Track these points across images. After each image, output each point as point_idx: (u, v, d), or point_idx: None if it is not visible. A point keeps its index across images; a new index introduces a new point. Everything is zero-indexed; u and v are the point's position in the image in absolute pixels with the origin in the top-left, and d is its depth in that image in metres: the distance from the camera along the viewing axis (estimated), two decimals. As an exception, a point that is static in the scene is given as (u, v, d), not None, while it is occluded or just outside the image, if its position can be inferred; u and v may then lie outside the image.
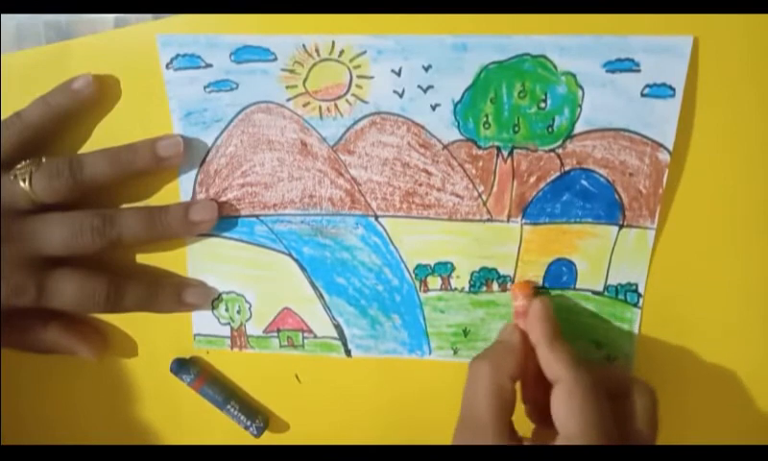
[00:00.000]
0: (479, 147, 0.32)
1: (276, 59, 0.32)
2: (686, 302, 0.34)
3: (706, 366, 0.34)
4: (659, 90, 0.30)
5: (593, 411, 0.28)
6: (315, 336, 0.37)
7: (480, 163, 0.33)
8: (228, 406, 0.38)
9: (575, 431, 0.28)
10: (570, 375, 0.29)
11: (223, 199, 0.34)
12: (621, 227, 0.33)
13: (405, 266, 0.35)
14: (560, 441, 0.29)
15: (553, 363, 0.30)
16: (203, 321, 0.37)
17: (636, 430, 0.30)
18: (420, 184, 0.33)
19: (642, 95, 0.31)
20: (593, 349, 0.35)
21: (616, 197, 0.33)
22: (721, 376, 0.35)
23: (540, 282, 0.35)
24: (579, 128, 0.31)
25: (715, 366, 0.35)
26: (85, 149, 0.34)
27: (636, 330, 0.35)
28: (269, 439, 0.39)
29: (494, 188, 0.33)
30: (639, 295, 0.34)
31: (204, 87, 0.32)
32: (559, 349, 0.30)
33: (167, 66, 0.32)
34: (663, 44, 0.30)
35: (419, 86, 0.32)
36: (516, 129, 0.32)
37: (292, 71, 0.32)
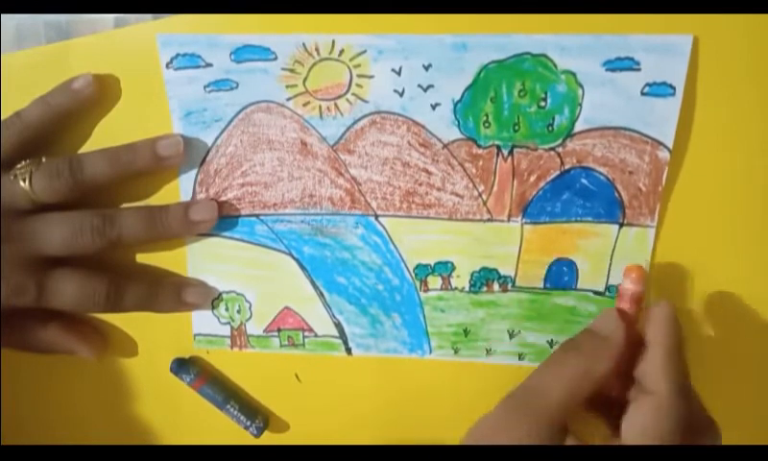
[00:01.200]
0: (479, 146, 0.32)
1: (276, 58, 0.32)
2: (686, 300, 0.34)
3: (706, 364, 0.34)
4: (659, 89, 0.30)
5: (670, 441, 0.25)
6: (315, 335, 0.37)
7: (480, 162, 0.33)
8: (228, 406, 0.38)
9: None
10: (672, 395, 0.26)
11: (223, 198, 0.34)
12: (621, 225, 0.33)
13: (405, 266, 0.35)
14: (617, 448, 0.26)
15: (660, 375, 0.27)
16: (203, 321, 0.37)
17: None
18: (421, 184, 0.33)
19: (642, 94, 0.31)
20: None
21: (616, 195, 0.33)
22: (721, 374, 0.35)
23: (541, 284, 0.35)
24: (579, 127, 0.31)
25: (716, 364, 0.35)
26: (85, 149, 0.34)
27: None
28: (269, 439, 0.39)
29: (495, 188, 0.33)
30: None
31: (204, 87, 0.32)
32: (674, 363, 0.27)
33: (167, 66, 0.32)
34: (663, 43, 0.30)
35: (419, 86, 0.32)
36: (517, 128, 0.32)
37: (292, 70, 0.32)
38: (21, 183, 0.31)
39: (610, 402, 0.28)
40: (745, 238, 0.33)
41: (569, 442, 0.27)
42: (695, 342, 0.35)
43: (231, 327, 0.37)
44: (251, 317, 0.37)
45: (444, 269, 0.35)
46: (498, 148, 0.32)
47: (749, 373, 0.35)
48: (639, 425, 0.26)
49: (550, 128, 0.32)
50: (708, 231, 0.33)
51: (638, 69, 0.30)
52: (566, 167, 0.32)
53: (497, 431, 0.27)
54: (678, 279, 0.34)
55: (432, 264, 0.35)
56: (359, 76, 0.32)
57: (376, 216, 0.34)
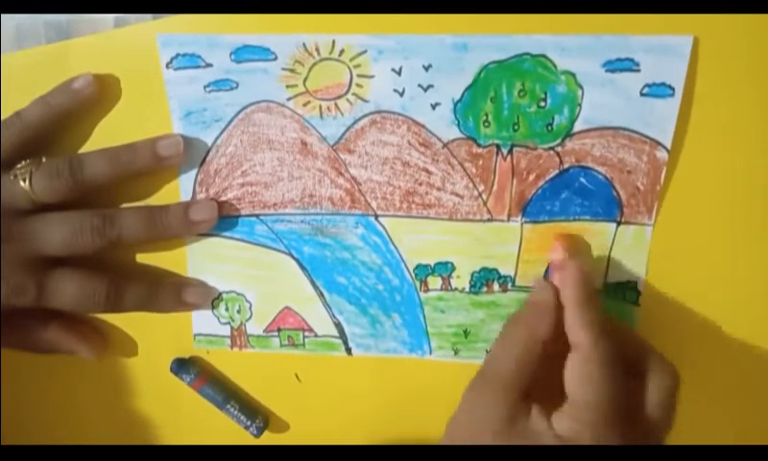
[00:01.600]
0: (479, 145, 0.32)
1: (276, 58, 0.32)
2: (684, 299, 0.34)
3: (704, 363, 0.34)
4: (658, 90, 0.31)
5: (606, 381, 0.28)
6: (315, 335, 0.37)
7: (480, 162, 0.33)
8: (228, 406, 0.38)
9: (583, 399, 0.28)
10: (590, 342, 0.29)
11: (223, 198, 0.34)
12: (619, 223, 0.33)
13: (405, 266, 0.35)
14: (567, 408, 0.28)
15: (576, 328, 0.29)
16: (203, 321, 0.37)
17: (647, 410, 0.29)
18: (421, 184, 0.33)
19: (642, 95, 0.31)
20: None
21: (614, 194, 0.33)
22: (720, 372, 0.35)
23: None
24: (578, 126, 0.32)
25: (714, 363, 0.35)
26: (85, 149, 0.34)
27: (634, 328, 0.35)
28: (269, 439, 0.39)
29: (494, 187, 0.33)
30: (638, 293, 0.34)
31: (204, 87, 0.33)
32: (584, 314, 0.29)
33: (167, 66, 0.32)
34: (663, 44, 0.30)
35: (419, 86, 0.32)
36: (516, 127, 0.32)
37: (292, 70, 0.32)
38: (21, 183, 0.31)
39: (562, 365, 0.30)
40: (742, 238, 0.33)
41: (535, 409, 0.29)
42: (693, 340, 0.35)
43: (231, 327, 0.37)
44: (251, 317, 0.37)
45: (444, 269, 0.35)
46: (498, 147, 0.32)
47: (747, 372, 0.35)
48: (573, 376, 0.29)
49: (549, 128, 0.32)
50: (705, 230, 0.33)
51: (638, 70, 0.30)
52: (565, 166, 0.32)
53: (467, 414, 0.30)
54: (674, 277, 0.34)
55: (432, 264, 0.35)
56: (359, 76, 0.32)
57: (376, 216, 0.34)
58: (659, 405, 0.30)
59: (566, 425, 0.28)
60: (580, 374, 0.28)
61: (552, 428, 0.28)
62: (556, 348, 0.31)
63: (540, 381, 0.30)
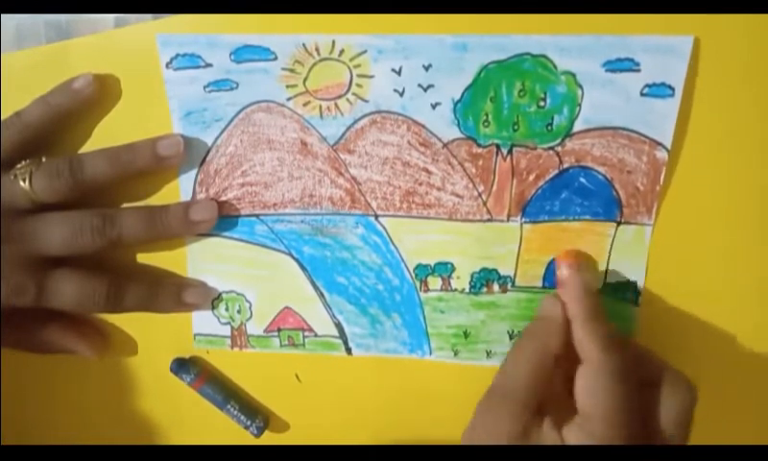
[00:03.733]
0: (479, 145, 0.32)
1: (276, 58, 0.32)
2: (684, 299, 0.34)
3: (704, 363, 0.34)
4: (658, 90, 0.31)
5: (617, 394, 0.28)
6: (316, 335, 0.37)
7: (480, 162, 0.33)
8: (228, 406, 0.38)
9: (594, 412, 0.28)
10: (599, 355, 0.29)
11: (223, 198, 0.34)
12: (619, 223, 0.33)
13: (405, 266, 0.35)
14: (578, 420, 0.28)
15: (585, 342, 0.29)
16: (203, 321, 0.37)
17: (661, 426, 0.29)
18: (421, 184, 0.33)
19: (642, 95, 0.31)
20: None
21: (614, 194, 0.33)
22: (720, 372, 0.35)
23: (540, 283, 0.35)
24: (578, 126, 0.32)
25: (713, 363, 0.35)
26: (85, 149, 0.34)
27: (634, 329, 0.35)
28: (269, 439, 0.39)
29: (494, 187, 0.33)
30: (638, 293, 0.34)
31: (204, 87, 0.33)
32: (593, 328, 0.30)
33: (167, 66, 0.32)
34: (663, 44, 0.30)
35: (419, 86, 0.32)
36: (516, 127, 0.32)
37: (292, 70, 0.32)
38: (21, 183, 0.31)
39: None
40: (742, 238, 0.33)
41: (546, 423, 0.29)
42: (692, 340, 0.35)
43: (231, 327, 0.37)
44: (251, 317, 0.37)
45: (444, 270, 0.35)
46: (498, 147, 0.32)
47: (747, 371, 0.35)
48: (583, 388, 0.29)
49: (549, 127, 0.32)
50: (705, 230, 0.33)
51: (638, 70, 0.30)
52: (565, 166, 0.32)
53: (481, 429, 0.30)
54: (674, 277, 0.34)
55: (432, 265, 0.35)
56: (359, 76, 0.32)
57: (376, 216, 0.34)
58: (674, 421, 0.29)
59: (578, 437, 0.28)
60: (590, 386, 0.28)
61: (563, 441, 0.28)
62: (567, 362, 0.31)
63: (551, 394, 0.30)
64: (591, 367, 0.29)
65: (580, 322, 0.30)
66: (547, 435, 0.29)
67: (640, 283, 0.34)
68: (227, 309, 0.37)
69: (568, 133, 0.32)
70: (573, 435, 0.28)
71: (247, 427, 0.38)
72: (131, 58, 0.33)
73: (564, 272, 0.32)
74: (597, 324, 0.30)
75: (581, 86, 0.31)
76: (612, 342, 0.29)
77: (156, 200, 0.35)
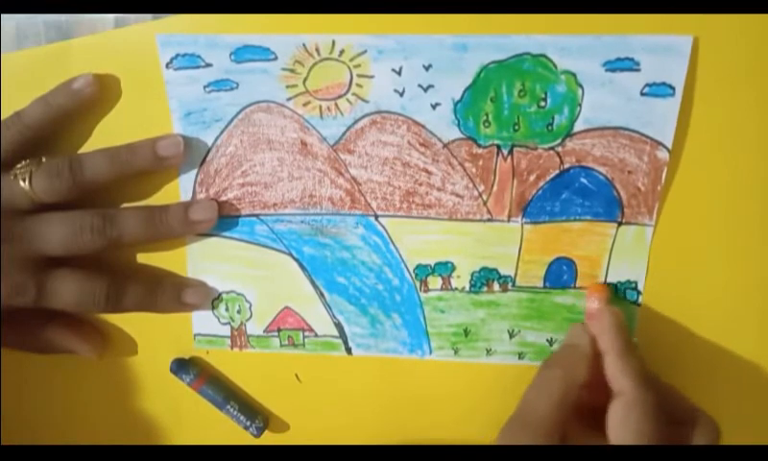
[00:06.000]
0: (479, 145, 0.32)
1: (276, 58, 0.32)
2: (684, 299, 0.34)
3: (704, 363, 0.34)
4: (658, 90, 0.31)
5: (649, 430, 0.28)
6: (316, 335, 0.37)
7: (480, 162, 0.33)
8: (228, 406, 0.38)
9: (626, 445, 0.28)
10: (634, 389, 0.29)
11: (223, 198, 0.34)
12: (620, 224, 0.33)
13: (405, 266, 0.35)
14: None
15: (619, 375, 0.30)
16: (203, 321, 0.37)
17: None
18: (421, 184, 0.33)
19: (642, 94, 0.31)
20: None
21: (615, 194, 0.33)
22: (720, 372, 0.35)
23: (541, 283, 0.35)
24: (578, 126, 0.32)
25: (714, 362, 0.35)
26: (85, 149, 0.34)
27: (634, 329, 0.35)
28: (269, 439, 0.39)
29: (495, 187, 0.33)
30: (639, 293, 0.34)
31: (204, 87, 0.32)
32: (627, 362, 0.30)
33: (167, 66, 0.32)
34: (663, 44, 0.30)
35: (419, 86, 0.32)
36: (516, 127, 0.32)
37: (292, 70, 0.32)
38: (21, 183, 0.31)
39: (601, 413, 0.30)
40: (743, 238, 0.33)
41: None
42: (692, 340, 0.35)
43: (231, 327, 0.37)
44: (251, 317, 0.37)
45: (445, 269, 0.35)
46: (498, 147, 0.32)
47: (747, 372, 0.35)
48: (616, 422, 0.29)
49: (550, 127, 0.32)
50: (706, 231, 0.33)
51: (638, 70, 0.30)
52: (566, 166, 0.32)
53: None
54: (675, 277, 0.34)
55: (432, 264, 0.35)
56: (359, 76, 0.32)
57: (376, 216, 0.34)
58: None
59: None
60: (623, 419, 0.29)
61: None
62: (589, 393, 0.31)
63: (572, 424, 0.30)
64: (625, 401, 0.29)
65: (614, 356, 0.30)
66: None
67: (641, 284, 0.34)
68: (227, 309, 0.37)
69: (569, 133, 0.32)
70: None
71: (247, 428, 0.38)
72: (131, 58, 0.33)
73: (595, 304, 0.33)
74: (632, 358, 0.30)
75: (581, 86, 0.31)
76: (646, 378, 0.29)
77: (155, 200, 0.35)
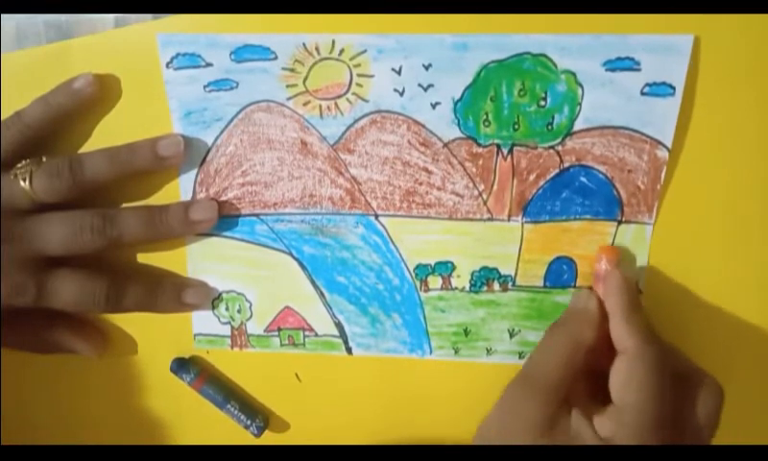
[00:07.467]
0: (479, 145, 0.32)
1: (276, 58, 0.32)
2: (684, 298, 0.34)
3: (704, 362, 0.34)
4: (658, 89, 0.31)
5: (653, 385, 0.28)
6: (316, 334, 0.37)
7: (480, 161, 0.33)
8: (229, 406, 0.38)
9: (629, 402, 0.28)
10: (637, 346, 0.29)
11: (223, 198, 0.34)
12: (620, 223, 0.33)
13: (405, 265, 0.35)
14: (611, 410, 0.29)
15: (623, 334, 0.30)
16: (203, 320, 0.37)
17: (691, 422, 0.30)
18: (421, 183, 0.33)
19: (642, 94, 0.31)
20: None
21: (615, 193, 0.33)
22: (719, 370, 0.35)
23: (541, 282, 0.35)
24: (578, 125, 0.32)
25: (714, 361, 0.35)
26: (85, 149, 0.34)
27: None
28: (269, 439, 0.39)
29: (495, 187, 0.33)
30: (639, 292, 0.34)
31: (204, 87, 0.32)
32: (631, 320, 0.30)
33: (167, 66, 0.32)
34: (664, 43, 0.30)
35: (419, 85, 0.32)
36: (516, 127, 0.32)
37: (292, 70, 0.32)
38: (21, 183, 0.31)
39: (606, 379, 0.30)
40: (742, 237, 0.33)
41: (575, 413, 0.29)
42: (692, 339, 0.35)
43: (232, 327, 0.37)
44: (251, 317, 0.37)
45: (445, 269, 0.35)
46: (498, 147, 0.32)
47: (747, 370, 0.35)
48: (619, 379, 0.29)
49: (550, 127, 0.32)
50: (705, 229, 0.33)
51: (638, 69, 0.30)
52: (566, 166, 0.32)
53: (507, 415, 0.30)
54: (674, 276, 0.34)
55: (432, 264, 0.35)
56: (359, 75, 0.32)
57: (376, 216, 0.34)
58: (704, 418, 0.30)
59: (610, 428, 0.28)
60: (626, 377, 0.29)
61: (594, 430, 0.29)
62: (593, 358, 0.31)
63: (576, 389, 0.31)
64: (629, 359, 0.29)
65: (619, 314, 0.30)
66: (577, 424, 0.29)
67: (641, 282, 0.34)
68: (227, 309, 0.37)
69: (569, 133, 0.32)
70: (605, 425, 0.29)
71: (247, 427, 0.38)
72: (131, 58, 0.33)
73: (604, 266, 0.32)
74: (639, 316, 0.30)
75: (581, 86, 0.31)
76: (649, 335, 0.30)
77: (155, 200, 0.35)
